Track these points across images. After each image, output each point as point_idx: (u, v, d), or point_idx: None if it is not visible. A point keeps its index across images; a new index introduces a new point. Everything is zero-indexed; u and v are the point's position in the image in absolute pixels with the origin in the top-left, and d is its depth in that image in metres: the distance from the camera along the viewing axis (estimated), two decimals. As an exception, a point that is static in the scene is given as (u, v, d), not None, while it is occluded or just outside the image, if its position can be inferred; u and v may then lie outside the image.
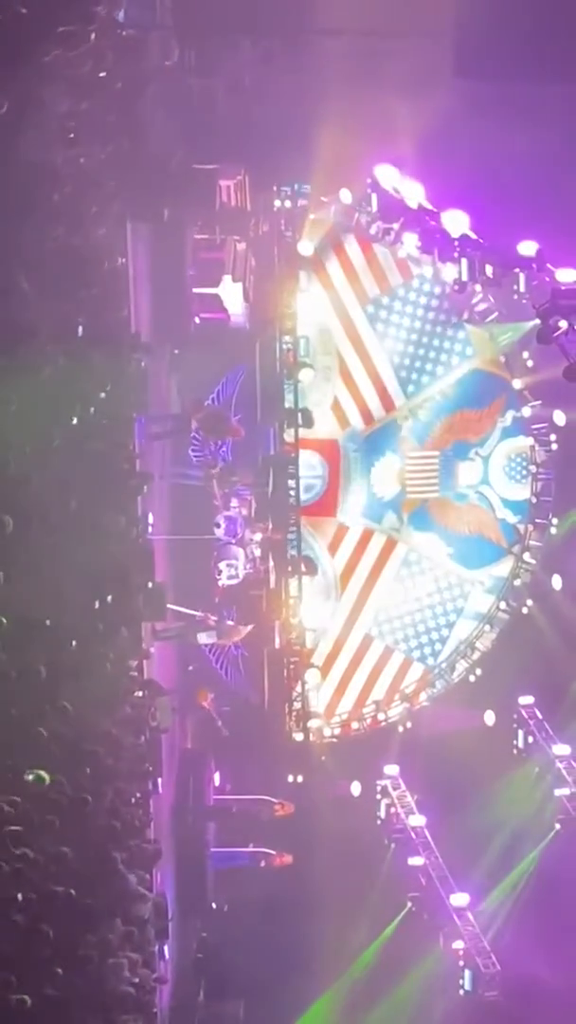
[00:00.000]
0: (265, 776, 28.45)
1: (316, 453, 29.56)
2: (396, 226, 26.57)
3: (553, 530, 30.23)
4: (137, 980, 15.40)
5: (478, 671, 30.45)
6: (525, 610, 30.36)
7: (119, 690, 19.73)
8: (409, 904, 27.99)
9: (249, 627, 27.43)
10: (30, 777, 14.82)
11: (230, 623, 27.18)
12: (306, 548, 28.72)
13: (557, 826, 28.68)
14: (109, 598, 19.39)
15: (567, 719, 29.29)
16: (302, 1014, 26.41)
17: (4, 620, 15.18)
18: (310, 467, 29.34)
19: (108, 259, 22.11)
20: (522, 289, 24.41)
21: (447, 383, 30.16)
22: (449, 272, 24.63)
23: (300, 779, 28.25)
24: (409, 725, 30.16)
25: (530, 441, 30.25)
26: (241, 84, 26.39)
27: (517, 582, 30.41)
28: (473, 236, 23.36)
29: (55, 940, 13.74)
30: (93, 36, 19.92)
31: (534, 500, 30.39)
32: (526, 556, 30.37)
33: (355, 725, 30.15)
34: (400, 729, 30.19)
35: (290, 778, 28.21)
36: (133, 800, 18.73)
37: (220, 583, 27.52)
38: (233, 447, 28.07)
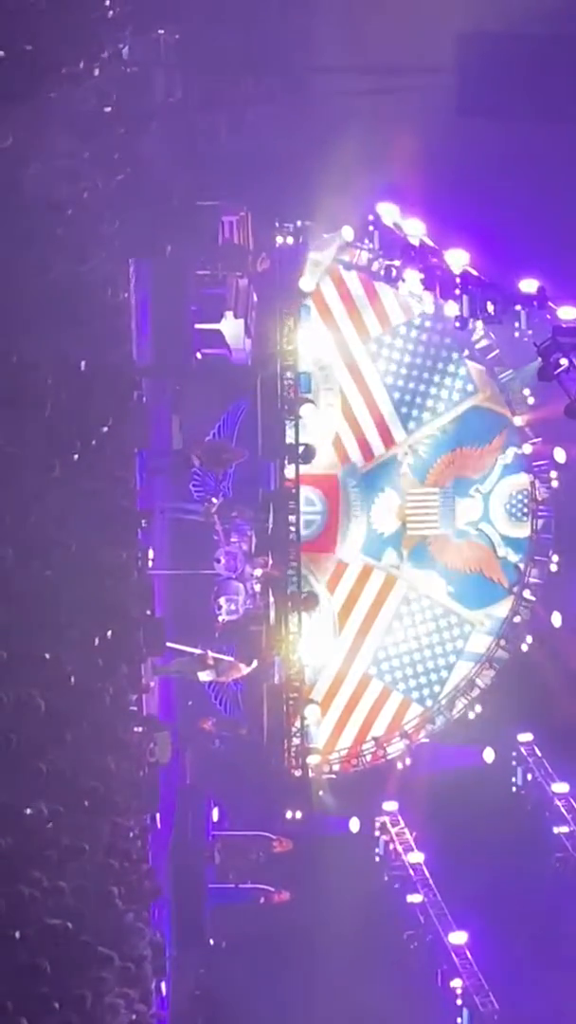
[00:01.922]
0: (264, 812, 28.34)
1: (315, 489, 29.53)
2: (398, 263, 26.69)
3: (553, 567, 30.17)
4: (134, 1017, 15.34)
5: (477, 708, 30.34)
6: (525, 647, 30.28)
7: (118, 725, 19.69)
8: (411, 943, 27.82)
9: (251, 666, 27.42)
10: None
11: (229, 659, 27.16)
12: (305, 585, 28.68)
13: (556, 864, 28.56)
14: (109, 633, 19.38)
15: (566, 757, 29.18)
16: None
17: (4, 654, 15.17)
18: (309, 503, 29.30)
19: (110, 294, 22.18)
20: (523, 326, 24.43)
21: (448, 419, 30.15)
22: (450, 309, 24.65)
23: (299, 815, 28.16)
24: (408, 762, 30.06)
25: (531, 478, 30.20)
26: (244, 121, 26.46)
27: (517, 619, 30.33)
28: (474, 273, 23.42)
29: (52, 975, 13.69)
30: (97, 72, 20.09)
31: (534, 537, 30.32)
32: (526, 593, 30.31)
33: (354, 761, 30.06)
34: (399, 766, 30.09)
35: (289, 814, 28.12)
36: (131, 835, 18.69)
37: (220, 618, 27.54)
38: (234, 482, 28.10)
